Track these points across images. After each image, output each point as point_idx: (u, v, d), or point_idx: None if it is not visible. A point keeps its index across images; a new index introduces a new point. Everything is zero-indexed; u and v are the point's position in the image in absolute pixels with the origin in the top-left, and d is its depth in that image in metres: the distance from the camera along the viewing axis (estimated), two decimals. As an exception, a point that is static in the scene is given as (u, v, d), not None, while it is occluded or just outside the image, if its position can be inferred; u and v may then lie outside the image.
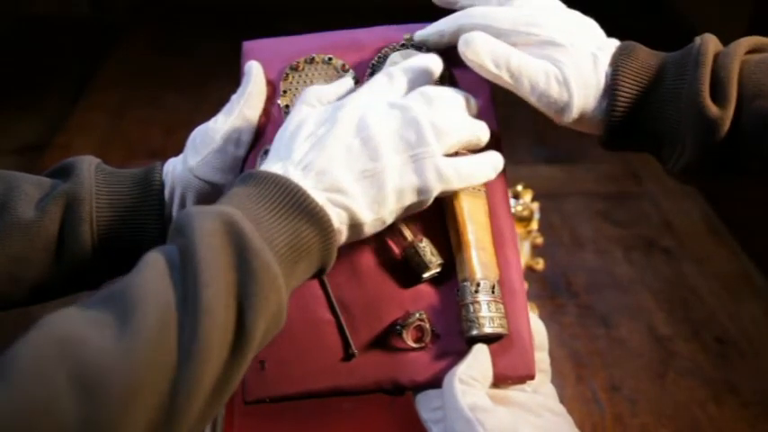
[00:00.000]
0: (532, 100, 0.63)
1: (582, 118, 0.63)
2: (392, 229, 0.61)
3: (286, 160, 0.55)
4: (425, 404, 0.59)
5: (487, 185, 0.64)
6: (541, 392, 0.61)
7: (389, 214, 0.56)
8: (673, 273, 2.07)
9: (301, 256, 0.52)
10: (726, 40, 0.62)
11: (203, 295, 0.44)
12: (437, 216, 0.63)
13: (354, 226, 0.55)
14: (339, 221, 0.54)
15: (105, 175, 0.65)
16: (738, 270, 2.08)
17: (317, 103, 0.61)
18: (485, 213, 0.63)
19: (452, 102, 0.61)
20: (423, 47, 0.67)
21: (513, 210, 1.52)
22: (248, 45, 0.69)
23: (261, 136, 0.66)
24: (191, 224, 0.47)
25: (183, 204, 0.65)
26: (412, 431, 0.60)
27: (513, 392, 0.60)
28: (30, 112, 2.72)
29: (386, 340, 0.61)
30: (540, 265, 1.63)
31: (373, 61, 0.67)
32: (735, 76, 0.57)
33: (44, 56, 3.12)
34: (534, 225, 1.59)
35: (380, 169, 0.55)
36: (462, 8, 0.67)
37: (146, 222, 0.64)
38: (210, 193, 0.64)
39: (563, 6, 0.67)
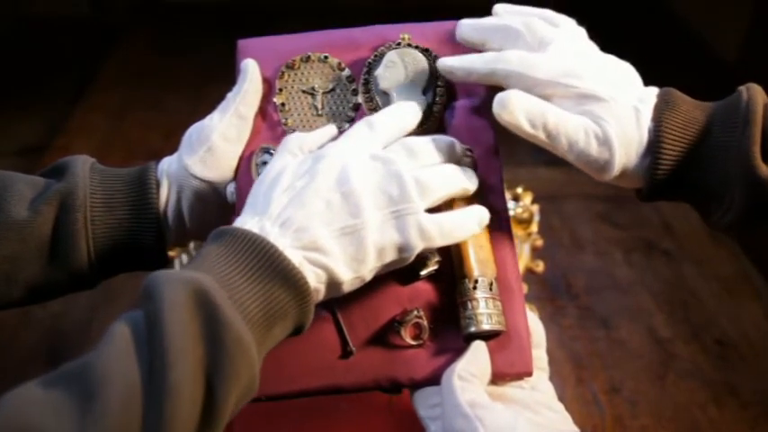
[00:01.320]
0: (570, 158, 0.60)
1: (623, 174, 0.60)
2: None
3: (263, 215, 0.54)
4: (423, 401, 0.59)
5: (484, 183, 0.64)
6: (539, 390, 0.61)
7: (369, 272, 0.55)
8: (673, 275, 2.07)
9: (276, 321, 0.50)
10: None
11: (169, 377, 0.42)
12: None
13: (332, 284, 0.54)
14: (317, 281, 0.53)
15: (100, 175, 0.64)
16: (738, 272, 2.08)
17: (298, 151, 0.59)
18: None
19: (436, 154, 0.59)
20: (418, 47, 0.67)
21: (512, 212, 1.53)
22: (243, 43, 0.69)
23: (256, 134, 0.65)
24: (159, 293, 0.45)
25: (179, 202, 0.64)
26: (410, 429, 0.60)
27: (510, 390, 0.60)
28: (30, 114, 2.72)
29: (384, 338, 0.61)
30: (539, 267, 1.63)
31: (369, 60, 0.67)
32: None
33: (44, 57, 3.12)
34: (534, 227, 1.59)
35: (361, 226, 0.53)
36: (491, 50, 0.64)
37: (141, 222, 0.63)
38: (206, 192, 0.64)
39: (599, 52, 0.64)
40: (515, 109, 0.58)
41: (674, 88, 0.62)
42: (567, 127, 0.59)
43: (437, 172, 0.57)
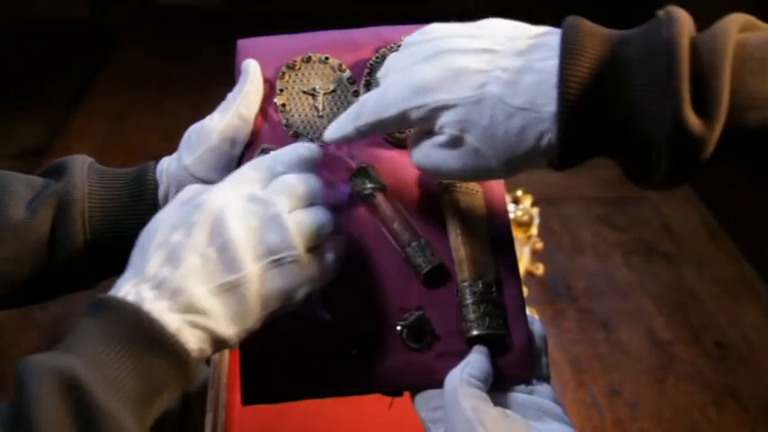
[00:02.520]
0: (458, 179, 0.56)
1: (528, 160, 0.52)
2: (391, 230, 0.61)
3: (139, 276, 0.51)
4: (424, 404, 0.59)
5: (485, 187, 0.64)
6: (540, 393, 0.60)
7: (255, 323, 0.53)
8: (672, 277, 2.07)
9: (158, 393, 0.49)
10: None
11: None
12: (436, 217, 0.63)
13: (218, 342, 0.52)
14: (200, 342, 0.50)
15: (98, 175, 0.64)
16: (738, 274, 2.09)
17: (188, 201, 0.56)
18: (483, 214, 0.63)
19: (319, 191, 0.57)
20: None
21: (512, 215, 1.53)
22: (243, 43, 0.69)
23: (257, 135, 0.65)
24: (26, 386, 0.43)
25: (177, 203, 0.64)
26: (416, 427, 0.60)
27: (512, 393, 0.59)
28: (30, 117, 2.73)
29: (386, 341, 0.61)
30: (539, 269, 1.63)
31: (371, 61, 0.67)
32: (726, 83, 0.44)
33: (44, 60, 3.13)
34: (534, 230, 1.59)
35: (241, 281, 0.51)
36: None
37: (139, 222, 0.63)
38: None
39: (452, 39, 0.54)
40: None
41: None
42: (428, 161, 0.55)
43: (320, 211, 0.55)
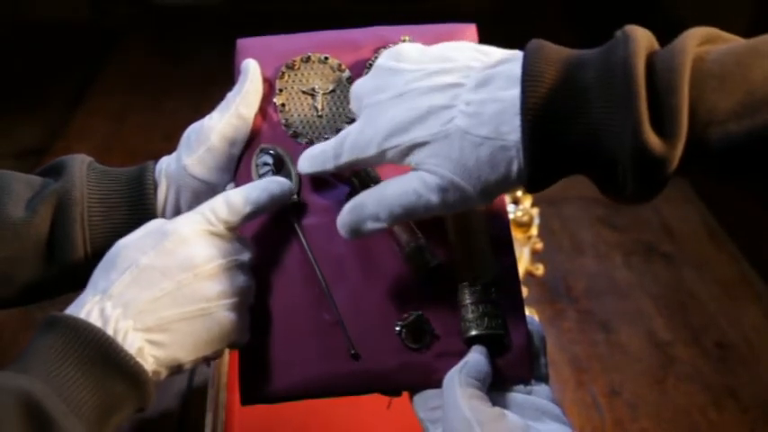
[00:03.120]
0: (438, 214, 0.55)
1: (503, 187, 0.52)
2: (390, 230, 0.61)
3: (104, 294, 0.52)
4: (423, 404, 0.59)
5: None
6: (539, 394, 0.60)
7: (213, 354, 0.56)
8: (672, 278, 2.07)
9: (113, 412, 0.50)
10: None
11: None
12: (437, 217, 0.63)
13: (174, 367, 0.54)
14: (157, 365, 0.52)
15: (97, 174, 0.64)
16: (738, 275, 2.08)
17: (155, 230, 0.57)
18: (483, 215, 0.63)
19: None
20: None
21: (512, 215, 1.53)
22: (243, 43, 0.69)
23: (256, 135, 0.65)
24: None
25: (177, 202, 0.64)
26: (416, 428, 0.60)
27: (511, 394, 0.59)
28: (30, 117, 2.72)
29: (385, 341, 0.61)
30: (539, 270, 1.63)
31: (370, 61, 0.67)
32: (684, 102, 0.44)
33: (44, 61, 3.13)
34: (534, 230, 1.59)
35: (211, 311, 0.54)
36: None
37: (139, 221, 0.63)
38: (204, 192, 0.64)
39: (413, 72, 0.55)
40: (348, 220, 0.57)
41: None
42: (401, 199, 0.54)
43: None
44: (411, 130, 0.52)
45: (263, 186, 0.59)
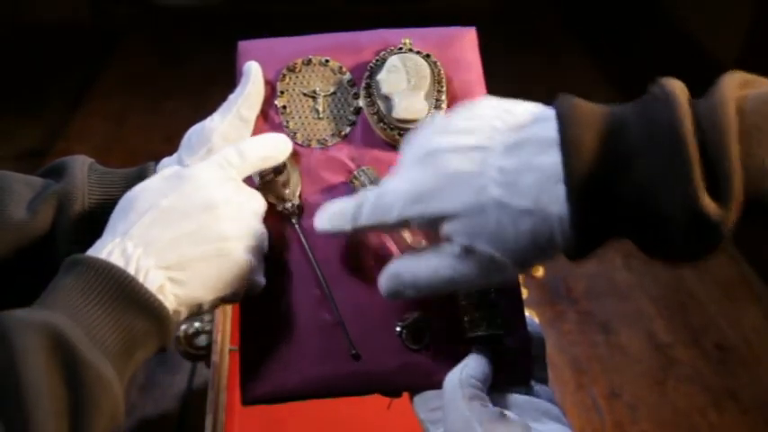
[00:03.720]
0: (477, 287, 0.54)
1: (543, 255, 0.49)
2: (391, 232, 0.62)
3: (124, 235, 0.53)
4: (423, 405, 0.59)
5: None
6: (539, 395, 0.61)
7: (232, 295, 0.56)
8: (672, 279, 2.07)
9: (136, 348, 0.50)
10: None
11: (29, 427, 0.42)
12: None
13: (194, 305, 0.54)
14: (177, 303, 0.53)
15: (98, 175, 0.64)
16: (738, 276, 2.08)
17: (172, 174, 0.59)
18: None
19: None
20: (420, 52, 0.67)
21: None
22: (244, 45, 0.69)
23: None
24: (11, 341, 0.44)
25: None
26: (416, 429, 0.60)
27: (511, 394, 0.60)
28: (30, 119, 2.73)
29: (385, 341, 0.61)
30: (539, 271, 1.62)
31: (372, 63, 0.67)
32: (737, 163, 0.42)
33: (44, 62, 3.13)
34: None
35: (230, 250, 0.55)
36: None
37: None
38: None
39: (444, 135, 0.52)
40: (387, 293, 0.55)
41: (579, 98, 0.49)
42: (438, 277, 0.52)
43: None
44: (437, 198, 0.49)
45: (277, 137, 0.62)
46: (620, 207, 0.45)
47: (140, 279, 0.51)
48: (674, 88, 0.45)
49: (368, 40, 0.69)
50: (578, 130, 0.45)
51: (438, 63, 0.66)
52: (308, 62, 0.68)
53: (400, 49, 0.67)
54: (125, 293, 0.49)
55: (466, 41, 0.68)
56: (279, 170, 0.63)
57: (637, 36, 3.48)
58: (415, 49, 0.67)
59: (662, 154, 0.43)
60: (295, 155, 0.65)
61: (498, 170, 0.48)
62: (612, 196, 0.45)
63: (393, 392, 0.62)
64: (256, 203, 0.59)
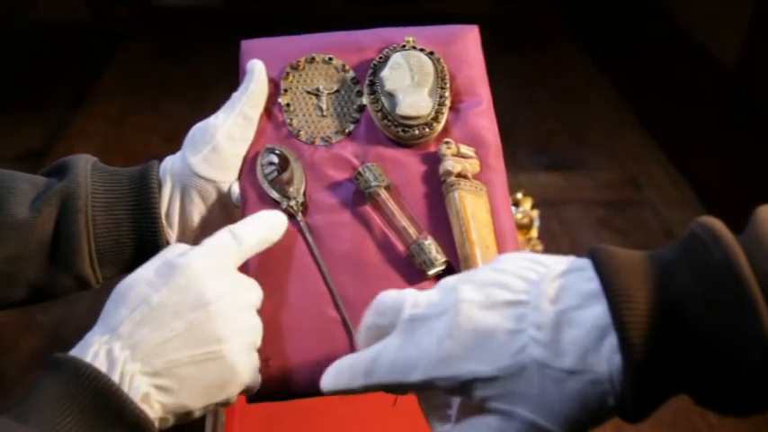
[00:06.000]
0: None
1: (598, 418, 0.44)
2: (397, 228, 0.62)
3: (112, 333, 0.50)
4: (429, 402, 0.59)
5: (489, 185, 0.64)
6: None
7: (225, 400, 0.54)
8: (673, 280, 2.07)
9: None
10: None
11: None
12: (441, 214, 0.63)
13: (182, 414, 0.52)
14: (164, 411, 0.50)
15: (102, 174, 0.64)
16: (738, 277, 2.08)
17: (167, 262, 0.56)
18: (487, 212, 0.63)
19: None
20: (423, 50, 0.67)
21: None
22: (247, 44, 0.69)
23: (261, 134, 0.66)
24: None
25: (182, 201, 0.64)
26: (414, 430, 0.60)
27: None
28: (30, 120, 2.73)
29: None
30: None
31: (375, 61, 0.67)
32: None
33: (45, 63, 3.13)
34: (534, 233, 1.59)
35: (224, 353, 0.52)
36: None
37: (143, 221, 0.63)
38: (209, 192, 0.64)
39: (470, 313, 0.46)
40: None
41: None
42: None
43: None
44: (470, 358, 0.45)
45: (270, 216, 0.59)
46: (681, 358, 0.41)
47: (125, 387, 0.48)
48: (718, 227, 0.42)
49: (371, 38, 0.69)
50: (624, 278, 0.42)
51: (441, 60, 0.66)
52: (312, 60, 0.68)
53: (403, 46, 0.67)
54: (106, 405, 0.47)
55: (469, 39, 0.69)
56: (283, 168, 0.63)
57: (637, 36, 3.48)
58: (419, 47, 0.67)
59: (723, 298, 0.40)
60: (299, 153, 0.65)
61: (536, 327, 0.43)
62: (671, 348, 0.41)
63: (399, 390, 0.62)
64: (253, 295, 0.56)
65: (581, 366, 0.42)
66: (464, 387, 0.45)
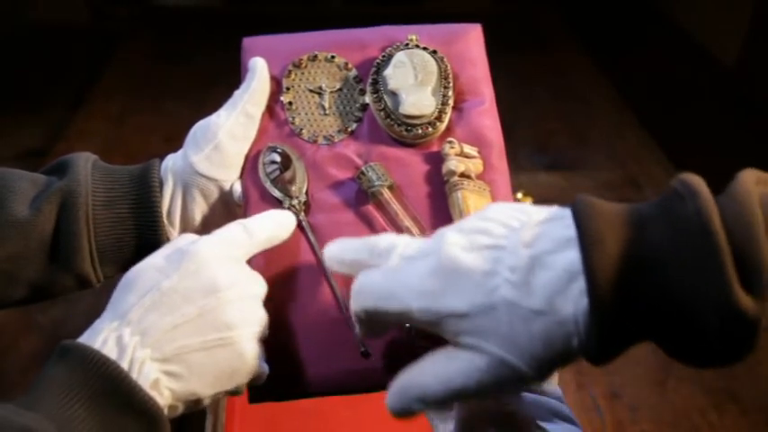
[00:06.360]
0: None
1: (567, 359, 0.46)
2: (400, 227, 0.61)
3: (121, 319, 0.50)
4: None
5: (492, 185, 0.64)
6: (550, 394, 0.60)
7: (236, 387, 0.54)
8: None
9: None
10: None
11: None
12: (444, 214, 0.63)
13: (192, 401, 0.51)
14: (173, 398, 0.50)
15: (102, 173, 0.64)
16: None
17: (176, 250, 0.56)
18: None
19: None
20: (426, 48, 0.67)
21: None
22: (248, 42, 0.69)
23: (263, 133, 0.65)
24: None
25: (184, 200, 0.64)
26: (416, 430, 0.60)
27: (521, 393, 0.59)
28: (30, 120, 2.73)
29: (395, 338, 0.61)
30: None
31: (378, 60, 0.67)
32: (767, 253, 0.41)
33: (45, 64, 3.13)
34: (534, 232, 1.59)
35: (234, 340, 0.52)
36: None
37: (144, 220, 0.63)
38: (211, 190, 0.64)
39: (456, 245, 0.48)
40: (396, 411, 0.50)
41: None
42: (448, 386, 0.48)
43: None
44: (447, 294, 0.46)
45: (282, 214, 0.60)
46: (646, 306, 0.42)
47: (134, 373, 0.48)
48: (696, 184, 0.43)
49: (373, 37, 0.69)
50: (599, 225, 0.43)
51: (445, 59, 0.66)
52: (314, 58, 0.68)
53: (407, 45, 0.67)
54: (115, 392, 0.47)
55: (472, 37, 0.69)
56: (285, 166, 0.63)
57: (637, 36, 3.48)
58: (422, 45, 0.67)
59: (691, 249, 0.41)
60: (301, 151, 0.65)
61: (511, 269, 0.45)
62: (637, 295, 0.42)
63: (400, 389, 0.61)
64: (259, 288, 0.56)
65: (548, 307, 0.43)
66: (439, 321, 0.47)
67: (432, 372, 0.48)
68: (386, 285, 0.49)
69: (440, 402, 0.48)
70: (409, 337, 0.60)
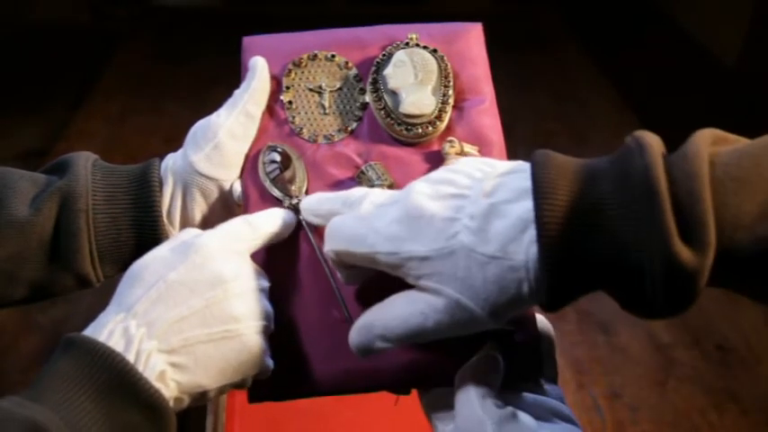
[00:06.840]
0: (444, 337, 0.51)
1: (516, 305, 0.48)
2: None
3: (127, 311, 0.50)
4: (432, 402, 0.59)
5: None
6: (549, 394, 0.60)
7: (242, 381, 0.54)
8: (673, 280, 2.07)
9: None
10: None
11: None
12: None
13: (198, 394, 0.52)
14: (179, 390, 0.50)
15: (102, 172, 0.64)
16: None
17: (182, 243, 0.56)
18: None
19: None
20: (426, 47, 0.67)
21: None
22: (248, 41, 0.68)
23: (263, 132, 0.65)
24: None
25: (184, 199, 0.64)
26: (416, 430, 0.60)
27: (522, 393, 0.59)
28: (30, 120, 2.73)
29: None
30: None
31: (378, 58, 0.66)
32: (709, 209, 0.42)
33: (45, 64, 3.13)
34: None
35: (241, 332, 0.52)
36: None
37: (144, 219, 0.63)
38: (211, 189, 0.64)
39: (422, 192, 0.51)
40: (357, 348, 0.53)
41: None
42: (408, 324, 0.50)
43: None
44: (410, 239, 0.49)
45: (283, 213, 0.60)
46: (594, 256, 0.44)
47: (140, 365, 0.48)
48: (648, 139, 0.45)
49: (373, 36, 0.69)
50: (551, 177, 0.45)
51: (445, 58, 0.66)
52: (314, 57, 0.68)
53: (407, 44, 0.67)
54: (120, 384, 0.46)
55: (472, 37, 0.68)
56: (285, 166, 0.63)
57: (637, 36, 3.48)
58: (422, 44, 0.67)
59: (634, 201, 0.43)
60: (301, 151, 0.65)
61: (470, 216, 0.47)
62: (585, 244, 0.44)
63: (402, 390, 0.61)
64: (264, 281, 0.57)
65: (501, 253, 0.46)
66: (402, 264, 0.50)
67: (393, 312, 0.51)
68: (356, 229, 0.52)
69: (400, 340, 0.51)
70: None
